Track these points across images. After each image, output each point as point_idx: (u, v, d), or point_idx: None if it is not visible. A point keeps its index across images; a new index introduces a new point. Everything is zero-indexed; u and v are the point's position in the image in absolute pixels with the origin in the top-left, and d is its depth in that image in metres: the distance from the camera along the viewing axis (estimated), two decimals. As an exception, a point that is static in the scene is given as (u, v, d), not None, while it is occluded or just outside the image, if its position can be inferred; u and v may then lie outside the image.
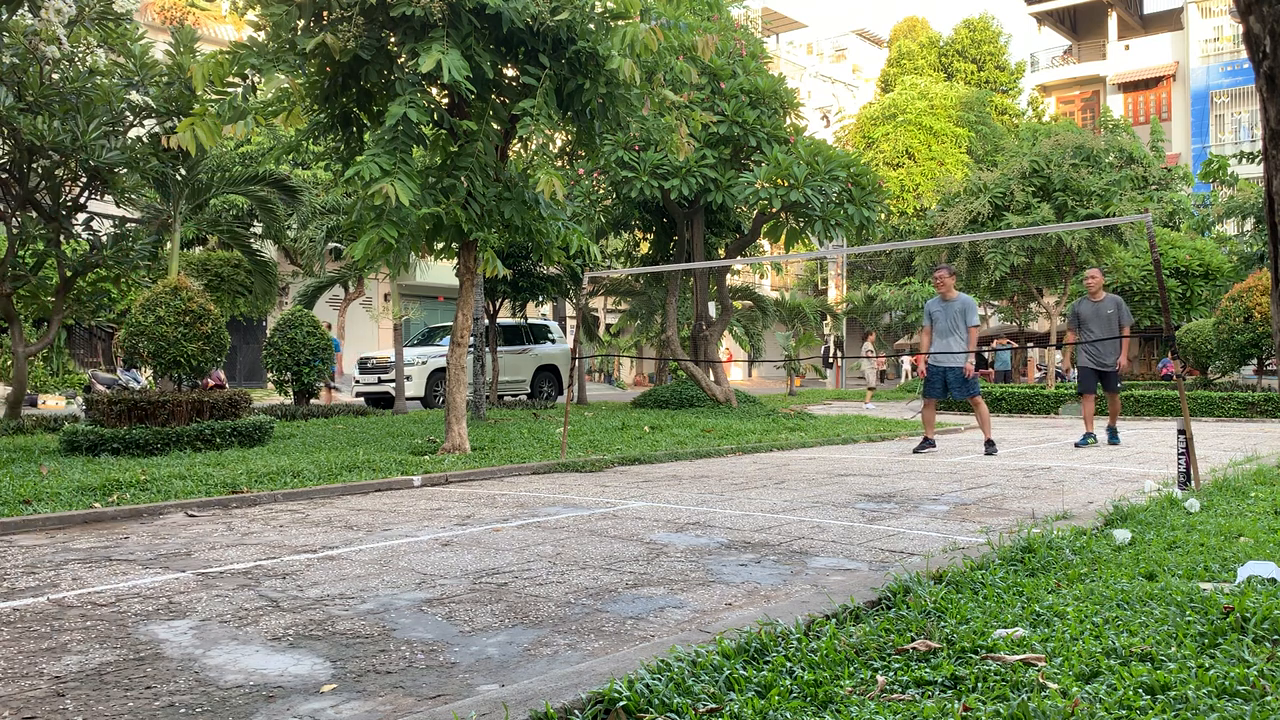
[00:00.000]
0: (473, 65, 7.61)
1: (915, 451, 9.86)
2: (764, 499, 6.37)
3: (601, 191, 16.06)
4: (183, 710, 2.50)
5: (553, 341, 20.85)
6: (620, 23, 8.02)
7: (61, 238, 11.80)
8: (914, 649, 2.59)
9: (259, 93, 8.40)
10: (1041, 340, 31.97)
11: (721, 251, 17.45)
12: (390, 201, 7.25)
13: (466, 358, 9.41)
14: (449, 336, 12.23)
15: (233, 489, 6.46)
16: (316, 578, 4.04)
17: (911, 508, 5.96)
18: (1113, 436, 10.46)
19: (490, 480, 7.61)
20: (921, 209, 30.25)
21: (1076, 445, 10.33)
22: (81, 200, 11.95)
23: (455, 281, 9.46)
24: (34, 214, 11.56)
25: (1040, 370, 31.41)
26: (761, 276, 38.79)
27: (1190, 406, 13.95)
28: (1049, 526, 4.41)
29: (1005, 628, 2.77)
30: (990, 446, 9.59)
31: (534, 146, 9.98)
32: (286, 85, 8.36)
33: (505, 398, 19.03)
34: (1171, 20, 41.81)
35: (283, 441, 9.63)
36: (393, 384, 17.03)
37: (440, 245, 9.65)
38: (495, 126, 8.60)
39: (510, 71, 8.75)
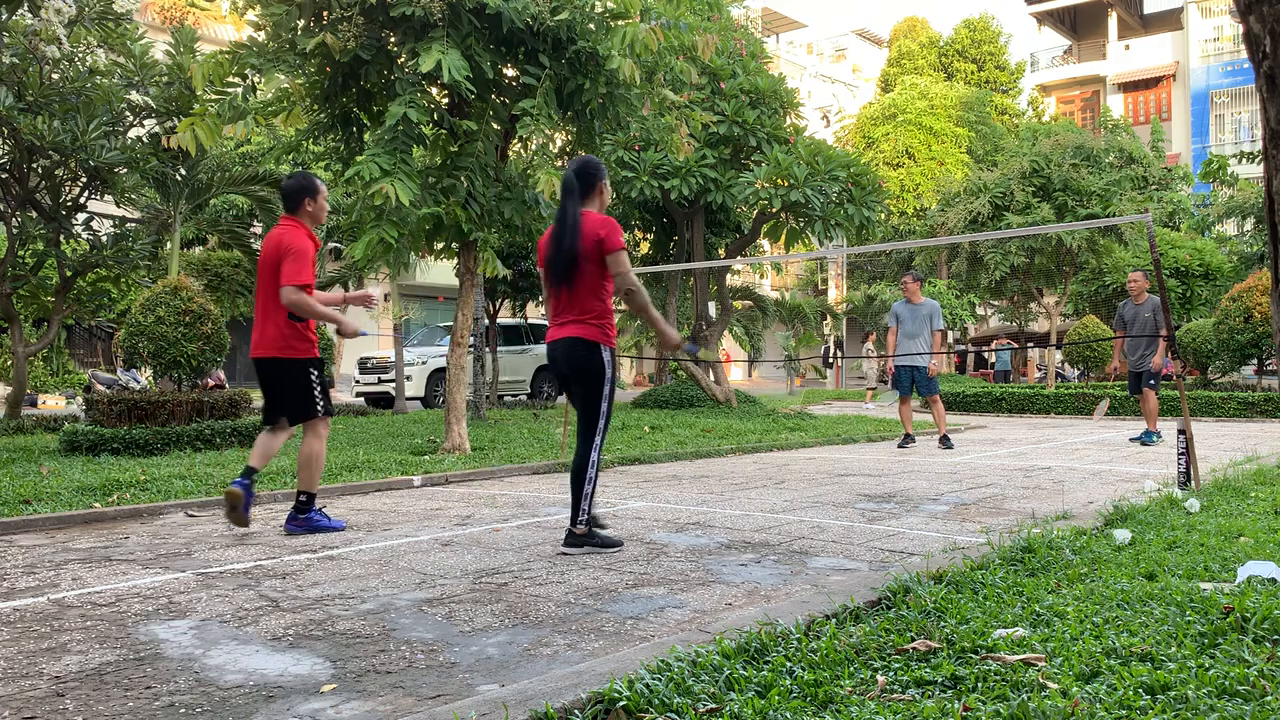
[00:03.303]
0: (473, 65, 7.61)
1: (899, 447, 10.42)
2: (764, 499, 6.37)
3: (601, 191, 16.02)
4: (183, 710, 2.50)
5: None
6: (620, 23, 8.02)
7: (61, 238, 11.80)
8: (914, 649, 2.59)
9: (259, 93, 8.41)
10: (1041, 340, 31.97)
11: (721, 251, 17.45)
12: (390, 201, 7.25)
13: (466, 358, 9.41)
14: (449, 336, 12.23)
15: (233, 489, 6.45)
16: (316, 578, 4.04)
17: (911, 508, 5.96)
18: (1146, 437, 10.54)
19: (490, 480, 7.61)
20: (921, 209, 30.24)
21: (1132, 440, 10.82)
22: (81, 200, 11.95)
23: (455, 281, 9.47)
24: (34, 214, 11.56)
25: (1040, 370, 31.42)
26: (761, 276, 38.78)
27: (1190, 406, 13.96)
28: (1049, 526, 4.41)
29: (1005, 628, 2.76)
30: (945, 441, 10.29)
31: (534, 146, 9.98)
32: (286, 85, 8.36)
33: (505, 398, 19.03)
34: (1171, 20, 41.82)
35: (283, 441, 9.62)
36: (393, 384, 17.03)
37: (440, 245, 9.65)
38: (495, 126, 8.59)
39: (510, 71, 8.75)
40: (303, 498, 5.16)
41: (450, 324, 16.12)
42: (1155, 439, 10.52)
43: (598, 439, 4.53)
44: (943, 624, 2.81)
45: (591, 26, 7.97)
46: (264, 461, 5.15)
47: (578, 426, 4.62)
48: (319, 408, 5.18)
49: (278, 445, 5.22)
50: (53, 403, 20.21)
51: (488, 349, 16.40)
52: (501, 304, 17.91)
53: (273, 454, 5.20)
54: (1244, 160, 19.15)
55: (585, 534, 4.51)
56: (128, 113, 11.52)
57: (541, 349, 20.16)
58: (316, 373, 5.19)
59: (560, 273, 4.47)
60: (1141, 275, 10.36)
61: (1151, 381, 10.33)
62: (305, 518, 5.13)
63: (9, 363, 15.75)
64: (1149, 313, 10.26)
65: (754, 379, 40.53)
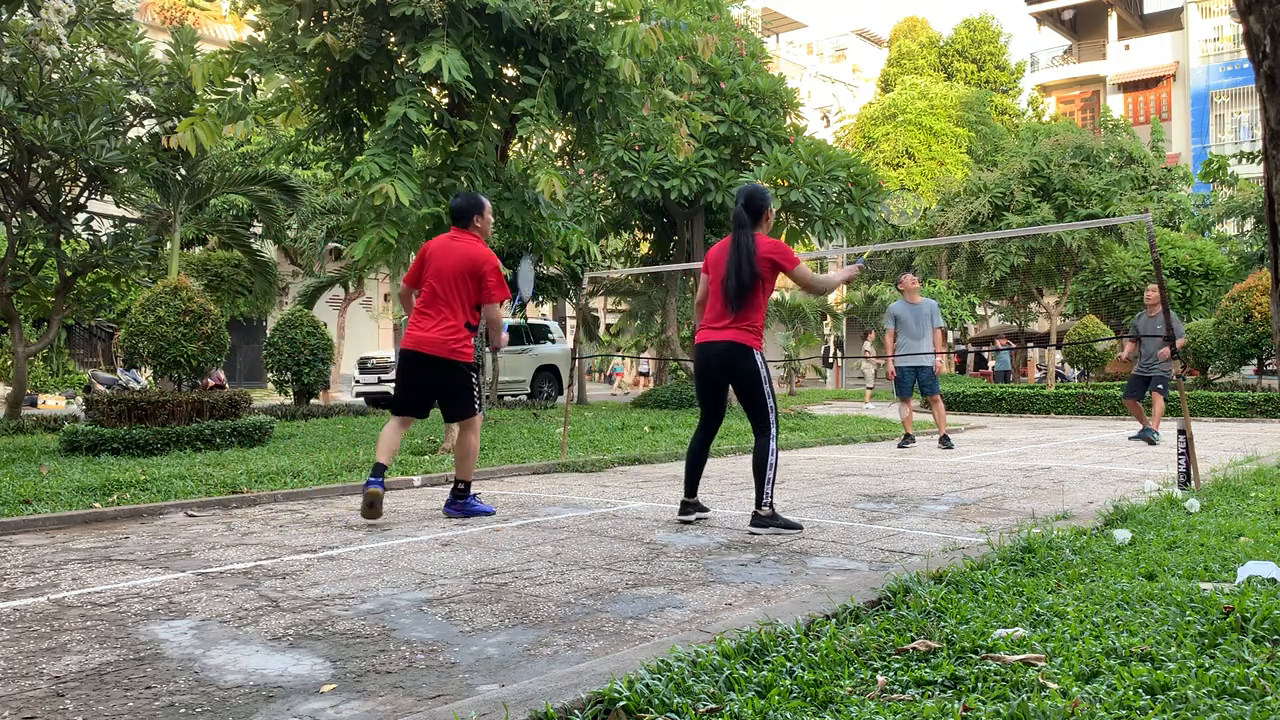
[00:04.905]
0: (473, 65, 7.62)
1: (900, 447, 10.43)
2: (764, 499, 6.36)
3: (601, 191, 16.06)
4: (183, 710, 2.50)
5: (552, 341, 20.85)
6: (620, 23, 8.03)
7: (61, 238, 11.80)
8: (914, 649, 2.59)
9: (259, 93, 8.42)
10: (1041, 340, 31.96)
11: (721, 251, 17.44)
12: (390, 201, 7.26)
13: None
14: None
15: (233, 489, 6.46)
16: (316, 578, 4.04)
17: (911, 508, 5.96)
18: (1148, 435, 10.70)
19: (490, 480, 7.61)
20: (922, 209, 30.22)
21: (1131, 438, 11.04)
22: (81, 200, 11.95)
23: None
24: (34, 214, 11.56)
25: (1040, 370, 31.42)
26: (761, 276, 38.70)
27: (1190, 406, 13.96)
28: (1049, 526, 4.41)
29: (1005, 628, 2.76)
30: (945, 441, 10.28)
31: (534, 146, 9.99)
32: (286, 85, 8.37)
33: (505, 398, 19.03)
34: (1171, 20, 41.82)
35: (283, 441, 9.63)
36: (393, 384, 17.03)
37: (440, 245, 9.64)
38: (495, 126, 8.60)
39: (510, 71, 8.76)
40: (460, 485, 5.68)
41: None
42: (1155, 437, 10.62)
43: (773, 429, 5.02)
44: (943, 624, 2.81)
45: (591, 26, 7.98)
46: (391, 456, 5.62)
47: (752, 425, 5.07)
48: (476, 405, 5.76)
49: (399, 438, 5.68)
50: (53, 403, 20.22)
51: (488, 349, 16.40)
52: (501, 304, 17.89)
53: (395, 448, 5.63)
54: (1244, 160, 19.15)
55: (769, 515, 4.97)
56: (128, 113, 11.53)
57: (540, 349, 20.17)
58: (475, 375, 5.77)
59: (735, 295, 5.02)
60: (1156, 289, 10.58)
61: (1160, 385, 10.54)
62: (463, 503, 5.65)
63: (9, 363, 15.75)
64: (1161, 325, 10.42)
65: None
